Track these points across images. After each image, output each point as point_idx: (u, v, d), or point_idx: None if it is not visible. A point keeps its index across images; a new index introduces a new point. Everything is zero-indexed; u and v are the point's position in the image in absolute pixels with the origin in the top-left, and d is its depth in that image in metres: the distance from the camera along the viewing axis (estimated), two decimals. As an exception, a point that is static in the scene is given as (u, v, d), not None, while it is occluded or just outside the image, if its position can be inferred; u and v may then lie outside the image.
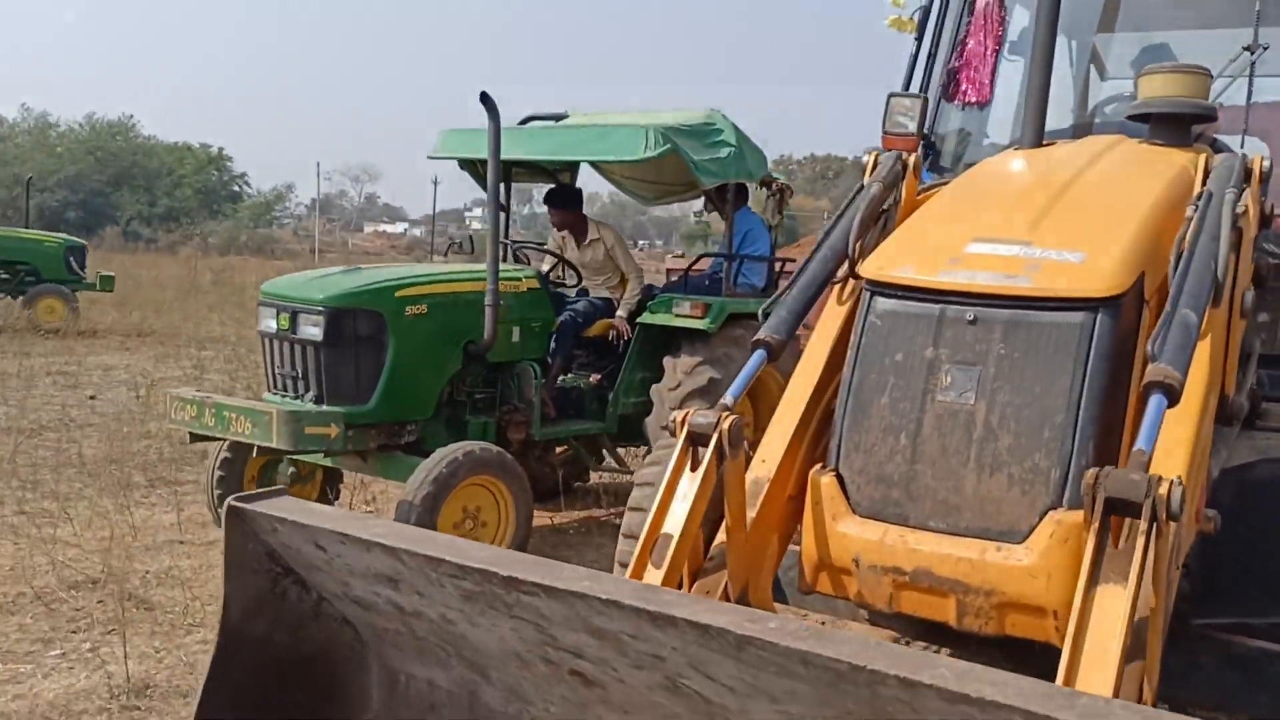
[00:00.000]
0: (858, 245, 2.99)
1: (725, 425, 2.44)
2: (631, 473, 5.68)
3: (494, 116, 5.16)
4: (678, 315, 5.80)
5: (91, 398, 10.24)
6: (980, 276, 2.57)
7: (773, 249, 6.68)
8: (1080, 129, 4.41)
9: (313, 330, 5.01)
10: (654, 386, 5.81)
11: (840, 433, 2.69)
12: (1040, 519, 2.40)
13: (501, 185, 6.26)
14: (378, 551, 2.09)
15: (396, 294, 5.25)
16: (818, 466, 2.73)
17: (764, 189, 6.70)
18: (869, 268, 2.79)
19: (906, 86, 4.45)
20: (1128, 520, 2.02)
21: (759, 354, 2.73)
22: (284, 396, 5.13)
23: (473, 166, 6.52)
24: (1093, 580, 2.01)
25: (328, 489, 5.67)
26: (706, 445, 2.46)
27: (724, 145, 5.87)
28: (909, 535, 2.52)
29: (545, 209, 6.64)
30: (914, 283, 2.66)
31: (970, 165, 3.81)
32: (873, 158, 3.33)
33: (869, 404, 2.65)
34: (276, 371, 5.26)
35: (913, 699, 1.50)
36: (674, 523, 2.40)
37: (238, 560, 2.23)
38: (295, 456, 5.21)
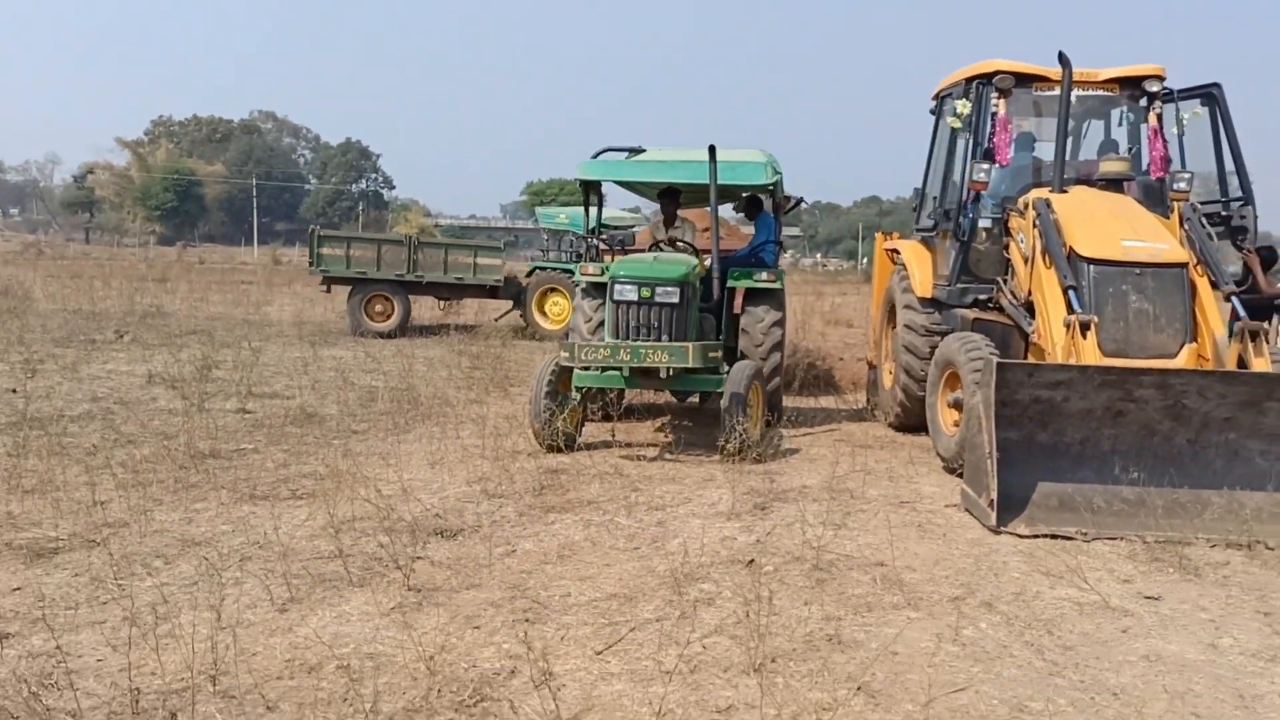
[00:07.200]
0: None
1: (1094, 320, 6.01)
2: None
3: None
4: (757, 280, 8.79)
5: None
6: (1142, 255, 6.39)
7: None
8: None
9: (670, 296, 7.60)
10: (743, 324, 8.73)
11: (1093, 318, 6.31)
12: (1180, 348, 6.29)
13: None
14: (1062, 372, 5.35)
15: (695, 271, 7.98)
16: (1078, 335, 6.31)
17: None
18: (1084, 250, 6.44)
19: (954, 164, 8.10)
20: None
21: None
22: (634, 341, 7.52)
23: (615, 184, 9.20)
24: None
25: (587, 406, 8.15)
26: (1087, 332, 5.99)
27: (779, 172, 8.97)
28: (1134, 361, 6.25)
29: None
30: (1113, 258, 6.41)
31: (1005, 197, 7.64)
32: (1025, 201, 7.00)
33: (1103, 307, 6.34)
34: (632, 324, 7.69)
35: None
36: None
37: (1003, 383, 5.33)
38: (581, 385, 7.56)
